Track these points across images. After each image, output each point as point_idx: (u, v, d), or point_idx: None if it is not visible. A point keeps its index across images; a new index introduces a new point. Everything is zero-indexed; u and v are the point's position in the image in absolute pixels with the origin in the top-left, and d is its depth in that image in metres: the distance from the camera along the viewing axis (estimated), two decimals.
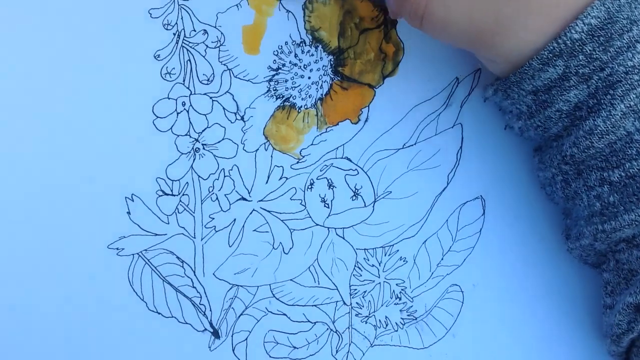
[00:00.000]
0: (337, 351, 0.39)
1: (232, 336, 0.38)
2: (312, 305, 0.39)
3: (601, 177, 0.31)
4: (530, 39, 0.30)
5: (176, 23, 0.36)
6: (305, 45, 0.37)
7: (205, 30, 0.36)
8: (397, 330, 0.39)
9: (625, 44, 0.29)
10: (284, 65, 0.37)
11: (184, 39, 0.36)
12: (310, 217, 0.38)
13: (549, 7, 0.29)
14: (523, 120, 0.33)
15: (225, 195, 0.38)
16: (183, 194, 0.37)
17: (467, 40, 0.31)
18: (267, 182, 0.38)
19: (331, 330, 0.39)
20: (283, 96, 0.37)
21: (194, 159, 0.37)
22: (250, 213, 0.38)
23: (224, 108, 0.37)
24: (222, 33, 0.36)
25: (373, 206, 0.38)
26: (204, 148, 0.37)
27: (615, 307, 0.33)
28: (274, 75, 0.37)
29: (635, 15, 0.29)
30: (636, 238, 0.31)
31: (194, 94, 0.37)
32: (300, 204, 0.38)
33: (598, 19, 0.29)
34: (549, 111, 0.31)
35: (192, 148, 0.37)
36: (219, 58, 0.37)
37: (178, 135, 0.37)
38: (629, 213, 0.30)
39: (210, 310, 0.38)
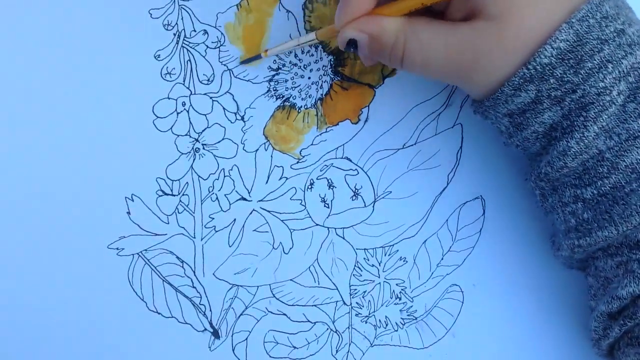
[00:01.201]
0: (337, 351, 0.39)
1: (232, 336, 0.38)
2: (312, 305, 0.39)
3: (575, 194, 0.31)
4: (504, 70, 0.30)
5: (176, 23, 0.36)
6: (305, 46, 0.37)
7: (205, 30, 0.36)
8: (397, 330, 0.39)
9: (596, 64, 0.29)
10: (284, 65, 0.37)
11: (184, 39, 0.36)
12: (310, 217, 0.38)
13: (524, 37, 0.29)
14: (505, 139, 0.34)
15: (225, 195, 0.38)
16: (183, 194, 0.37)
17: (447, 77, 0.32)
18: (267, 182, 0.38)
19: (331, 330, 0.39)
20: (283, 96, 0.37)
21: (194, 159, 0.37)
22: (250, 213, 0.38)
23: (224, 108, 0.37)
24: (222, 33, 0.36)
25: (373, 206, 0.38)
26: (204, 148, 0.37)
27: (593, 313, 0.33)
28: (274, 75, 0.37)
29: (606, 34, 0.29)
30: (610, 248, 0.32)
31: (194, 94, 0.37)
32: (300, 204, 0.38)
33: (567, 42, 0.29)
34: (526, 133, 0.32)
35: (192, 148, 0.37)
36: (219, 58, 0.37)
37: (178, 135, 0.37)
38: (602, 230, 0.31)
39: (210, 310, 0.38)
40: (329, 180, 0.38)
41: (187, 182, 0.37)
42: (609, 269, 0.32)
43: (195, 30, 0.36)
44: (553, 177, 0.31)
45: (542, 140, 0.32)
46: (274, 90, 0.37)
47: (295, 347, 0.39)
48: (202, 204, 0.38)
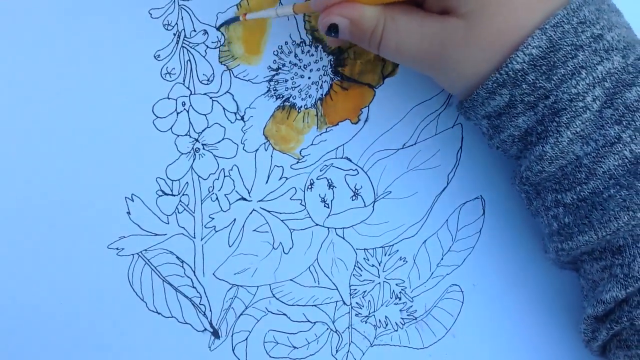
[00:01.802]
0: (337, 351, 0.39)
1: (232, 336, 0.38)
2: (312, 305, 0.39)
3: (556, 198, 0.31)
4: (474, 69, 0.30)
5: (176, 23, 0.36)
6: (305, 45, 0.37)
7: (205, 30, 0.36)
8: (397, 330, 0.39)
9: (569, 71, 0.29)
10: (284, 65, 0.37)
11: (184, 39, 0.36)
12: (310, 217, 0.38)
13: (491, 38, 0.30)
14: (487, 140, 0.34)
15: (225, 195, 0.38)
16: (183, 194, 0.37)
17: (420, 67, 0.32)
18: (267, 182, 0.38)
19: (331, 330, 0.39)
20: (283, 96, 0.37)
21: (194, 159, 0.37)
22: (250, 213, 0.38)
23: (224, 108, 0.37)
24: (222, 33, 0.36)
25: (373, 206, 0.38)
26: (204, 148, 0.37)
27: (583, 315, 0.33)
28: (274, 75, 0.37)
29: (581, 40, 0.29)
30: (594, 252, 0.32)
31: (194, 94, 0.37)
32: (300, 204, 0.38)
33: (539, 48, 0.29)
34: (503, 135, 0.32)
35: (192, 148, 0.37)
36: (219, 58, 0.37)
37: (178, 135, 0.37)
38: (583, 235, 0.31)
39: (210, 310, 0.38)
40: (329, 180, 0.38)
41: (187, 182, 0.37)
42: (595, 272, 0.32)
43: (195, 30, 0.36)
44: (534, 181, 0.32)
45: (518, 144, 0.32)
46: (274, 90, 0.37)
47: (295, 347, 0.39)
48: (202, 204, 0.38)
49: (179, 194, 0.37)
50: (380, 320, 0.39)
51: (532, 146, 0.31)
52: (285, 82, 0.37)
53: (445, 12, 0.30)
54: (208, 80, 0.37)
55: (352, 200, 0.38)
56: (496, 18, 0.29)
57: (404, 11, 0.31)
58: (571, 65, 0.29)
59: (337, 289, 0.39)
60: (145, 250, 0.37)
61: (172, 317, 0.38)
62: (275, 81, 0.37)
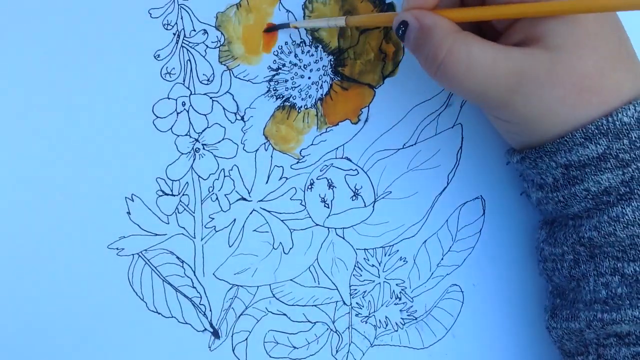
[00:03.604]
0: (337, 351, 0.39)
1: (232, 336, 0.38)
2: (312, 305, 0.39)
3: (614, 266, 0.30)
4: (552, 109, 0.29)
5: (176, 23, 0.36)
6: (305, 45, 0.37)
7: (205, 30, 0.36)
8: (397, 330, 0.39)
9: None
10: (284, 65, 0.37)
11: (184, 39, 0.36)
12: (310, 217, 0.38)
13: (578, 81, 0.28)
14: (545, 192, 0.32)
15: (225, 195, 0.38)
16: (183, 194, 0.37)
17: (484, 98, 0.30)
18: (267, 182, 0.38)
19: (331, 330, 0.39)
20: (283, 96, 0.37)
21: (194, 159, 0.37)
22: (250, 213, 0.38)
23: (224, 108, 0.37)
24: (222, 33, 0.36)
25: (373, 206, 0.38)
26: (204, 148, 0.37)
27: None
28: (274, 75, 0.37)
29: None
30: (630, 336, 0.30)
31: (194, 94, 0.37)
32: (300, 204, 0.38)
33: None
34: (577, 189, 0.30)
35: (192, 148, 0.37)
36: (219, 58, 0.37)
37: (178, 135, 0.37)
38: (634, 309, 0.29)
39: (210, 310, 0.38)
40: (329, 180, 0.38)
41: (187, 182, 0.37)
42: (620, 358, 0.31)
43: (195, 30, 0.36)
44: (596, 242, 0.30)
45: (589, 202, 0.30)
46: (274, 90, 0.37)
47: (295, 347, 0.39)
48: (202, 204, 0.38)
49: (179, 194, 0.37)
50: (380, 321, 0.39)
51: (608, 206, 0.30)
52: (285, 82, 0.37)
53: (523, 44, 0.29)
54: (208, 80, 0.37)
55: (352, 200, 0.38)
56: (586, 61, 0.28)
57: (476, 38, 0.29)
58: None
59: (337, 289, 0.39)
60: (145, 250, 0.37)
61: (172, 317, 0.38)
62: (275, 81, 0.37)
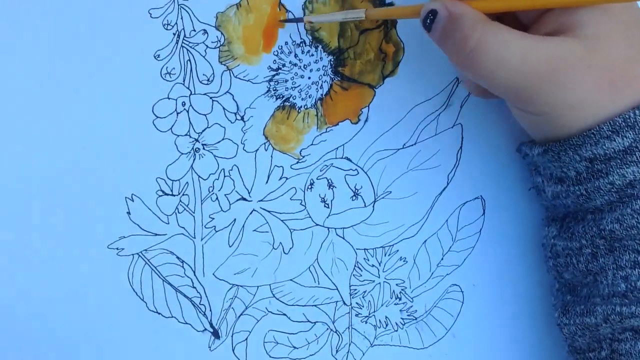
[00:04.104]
0: (337, 351, 0.39)
1: (232, 336, 0.38)
2: (312, 305, 0.39)
3: (635, 259, 0.30)
4: (585, 99, 0.28)
5: (176, 23, 0.36)
6: (305, 45, 0.37)
7: (205, 30, 0.36)
8: (397, 330, 0.39)
9: None
10: (284, 65, 0.37)
11: (184, 39, 0.36)
12: (310, 217, 0.38)
13: (611, 70, 0.28)
14: (566, 186, 0.32)
15: (225, 195, 0.38)
16: (183, 194, 0.37)
17: (514, 87, 0.29)
18: (267, 182, 0.38)
19: (331, 330, 0.39)
20: (283, 96, 0.37)
21: (194, 159, 0.37)
22: (250, 213, 0.38)
23: (224, 108, 0.37)
24: (222, 33, 0.36)
25: (373, 206, 0.38)
26: (204, 148, 0.37)
27: None
28: (274, 75, 0.37)
29: None
30: None
31: (194, 94, 0.37)
32: (300, 204, 0.38)
33: None
34: (601, 182, 0.30)
35: (192, 148, 0.37)
36: (219, 58, 0.37)
37: (178, 135, 0.37)
38: None
39: (210, 310, 0.38)
40: (329, 180, 0.38)
41: (187, 182, 0.37)
42: (636, 352, 0.30)
43: (195, 30, 0.36)
44: (618, 235, 0.30)
45: (612, 195, 0.30)
46: (274, 90, 0.37)
47: (295, 347, 0.39)
48: (202, 204, 0.38)
49: (179, 194, 0.37)
50: (380, 321, 0.39)
51: (632, 199, 0.29)
52: (285, 82, 0.37)
53: (554, 34, 0.29)
54: (208, 80, 0.37)
55: (352, 200, 0.38)
56: (619, 51, 0.28)
57: (507, 28, 0.29)
58: None
59: (337, 289, 0.39)
60: (145, 250, 0.37)
61: (172, 317, 0.38)
62: (275, 81, 0.37)
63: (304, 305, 0.39)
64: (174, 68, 0.36)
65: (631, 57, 0.28)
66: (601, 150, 0.29)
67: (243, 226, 0.38)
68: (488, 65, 0.29)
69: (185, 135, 0.37)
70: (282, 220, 0.38)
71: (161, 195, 0.37)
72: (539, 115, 0.30)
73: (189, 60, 0.36)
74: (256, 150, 0.38)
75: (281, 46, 0.37)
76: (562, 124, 0.30)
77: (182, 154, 0.37)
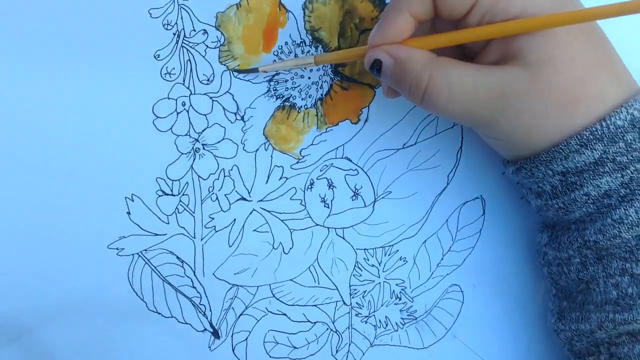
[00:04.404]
0: (337, 351, 0.39)
1: (232, 336, 0.38)
2: (312, 305, 0.39)
3: (623, 267, 0.30)
4: (536, 122, 0.29)
5: (176, 23, 0.36)
6: (305, 45, 0.37)
7: (205, 30, 0.36)
8: (397, 330, 0.39)
9: None
10: None
11: (184, 39, 0.36)
12: (310, 217, 0.38)
13: (556, 93, 0.29)
14: (544, 200, 0.32)
15: (225, 195, 0.38)
16: (183, 194, 0.37)
17: (470, 120, 0.31)
18: (267, 182, 0.38)
19: (331, 330, 0.39)
20: (283, 96, 0.37)
21: (194, 159, 0.37)
22: (250, 213, 0.38)
23: (224, 108, 0.37)
24: (222, 33, 0.36)
25: (373, 206, 0.38)
26: (204, 148, 0.37)
27: None
28: (274, 75, 0.37)
29: None
30: None
31: (194, 94, 0.37)
32: (300, 204, 0.38)
33: None
34: (576, 194, 0.30)
35: (192, 148, 0.37)
36: (219, 58, 0.37)
37: (178, 135, 0.37)
38: None
39: (210, 310, 0.38)
40: (329, 180, 0.38)
41: (187, 182, 0.37)
42: (634, 355, 0.30)
43: (195, 30, 0.36)
44: (603, 245, 0.30)
45: (589, 206, 0.31)
46: (274, 90, 0.37)
47: (295, 347, 0.39)
48: (202, 204, 0.38)
49: (179, 194, 0.37)
50: (380, 320, 0.39)
51: (611, 209, 0.30)
52: (285, 82, 0.37)
53: (501, 63, 0.29)
54: (208, 80, 0.37)
55: (352, 200, 0.38)
56: (564, 73, 0.28)
57: (454, 62, 0.30)
58: None
59: (337, 289, 0.39)
60: (145, 250, 0.37)
61: (172, 317, 0.38)
62: (275, 81, 0.37)
63: (304, 305, 0.39)
64: (174, 68, 0.36)
65: (580, 77, 0.29)
66: (572, 164, 0.30)
67: (243, 226, 0.38)
68: (441, 102, 0.30)
69: (185, 135, 0.37)
70: (282, 220, 0.38)
71: (161, 195, 0.37)
72: (500, 140, 0.31)
73: (189, 60, 0.36)
74: (256, 150, 0.38)
75: (281, 46, 0.37)
76: (522, 145, 0.31)
77: (182, 154, 0.37)
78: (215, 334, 0.38)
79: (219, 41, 0.36)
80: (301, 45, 0.37)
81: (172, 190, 0.37)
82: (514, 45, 0.29)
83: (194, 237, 0.38)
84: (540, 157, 0.31)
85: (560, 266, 0.33)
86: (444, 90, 0.29)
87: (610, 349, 0.32)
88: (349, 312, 0.39)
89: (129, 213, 0.37)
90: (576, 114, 0.29)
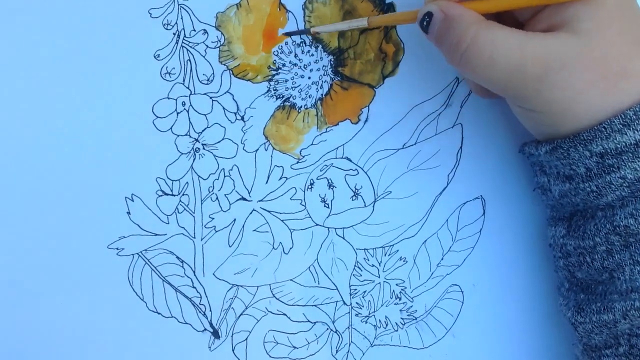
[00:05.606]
0: (337, 351, 0.39)
1: (232, 336, 0.38)
2: (312, 305, 0.39)
3: None
4: (581, 95, 0.28)
5: (176, 23, 0.36)
6: (305, 45, 0.37)
7: (205, 30, 0.36)
8: (397, 330, 0.39)
9: None
10: (284, 65, 0.37)
11: (184, 39, 0.36)
12: (310, 217, 0.38)
13: (607, 64, 0.28)
14: (575, 183, 0.31)
15: (225, 195, 0.38)
16: (183, 194, 0.37)
17: (508, 86, 0.30)
18: (267, 182, 0.38)
19: (331, 330, 0.39)
20: (283, 96, 0.37)
21: (194, 159, 0.37)
22: (250, 213, 0.38)
23: (224, 108, 0.37)
24: (222, 33, 0.36)
25: (373, 206, 0.38)
26: (204, 148, 0.37)
27: None
28: (274, 75, 0.37)
29: None
30: None
31: (194, 94, 0.37)
32: (300, 204, 0.38)
33: None
34: (612, 177, 0.30)
35: (192, 148, 0.37)
36: (219, 58, 0.37)
37: (178, 135, 0.37)
38: None
39: (210, 310, 0.38)
40: (329, 180, 0.38)
41: (187, 182, 0.37)
42: None
43: (195, 30, 0.36)
44: (633, 230, 0.30)
45: (624, 190, 0.30)
46: (274, 90, 0.37)
47: (295, 347, 0.39)
48: (202, 204, 0.38)
49: (179, 194, 0.37)
50: (380, 320, 0.39)
51: None
52: (285, 82, 0.37)
53: (550, 30, 0.29)
54: (208, 80, 0.37)
55: (352, 200, 0.38)
56: (613, 45, 0.28)
57: (501, 26, 0.29)
58: None
59: (337, 289, 0.39)
60: (145, 250, 0.37)
61: (172, 317, 0.38)
62: (276, 81, 0.37)
63: (304, 305, 0.39)
64: (174, 68, 0.36)
65: (625, 53, 0.28)
66: (612, 145, 0.29)
67: (243, 226, 0.38)
68: (482, 65, 0.29)
69: (185, 135, 0.37)
70: (282, 220, 0.38)
71: (161, 195, 0.37)
72: (538, 113, 0.30)
73: (189, 60, 0.36)
74: (256, 150, 0.38)
75: (281, 46, 0.37)
76: (562, 120, 0.30)
77: (182, 153, 0.37)
78: (215, 334, 0.38)
79: (219, 41, 0.36)
80: (301, 45, 0.37)
81: (172, 190, 0.37)
82: (566, 13, 0.28)
83: (194, 237, 0.38)
84: (580, 136, 0.30)
85: (582, 256, 0.32)
86: (485, 52, 0.28)
87: (630, 340, 0.31)
88: (349, 312, 0.39)
89: (129, 213, 0.37)
90: (620, 90, 0.29)
